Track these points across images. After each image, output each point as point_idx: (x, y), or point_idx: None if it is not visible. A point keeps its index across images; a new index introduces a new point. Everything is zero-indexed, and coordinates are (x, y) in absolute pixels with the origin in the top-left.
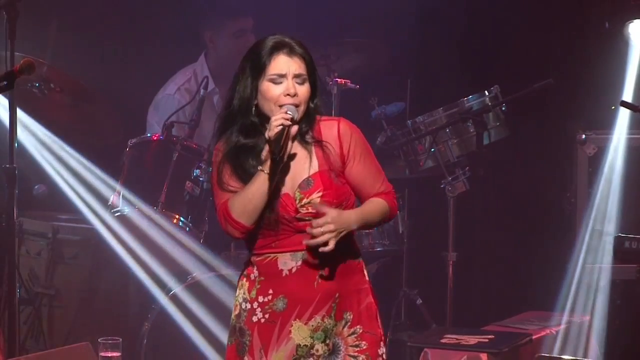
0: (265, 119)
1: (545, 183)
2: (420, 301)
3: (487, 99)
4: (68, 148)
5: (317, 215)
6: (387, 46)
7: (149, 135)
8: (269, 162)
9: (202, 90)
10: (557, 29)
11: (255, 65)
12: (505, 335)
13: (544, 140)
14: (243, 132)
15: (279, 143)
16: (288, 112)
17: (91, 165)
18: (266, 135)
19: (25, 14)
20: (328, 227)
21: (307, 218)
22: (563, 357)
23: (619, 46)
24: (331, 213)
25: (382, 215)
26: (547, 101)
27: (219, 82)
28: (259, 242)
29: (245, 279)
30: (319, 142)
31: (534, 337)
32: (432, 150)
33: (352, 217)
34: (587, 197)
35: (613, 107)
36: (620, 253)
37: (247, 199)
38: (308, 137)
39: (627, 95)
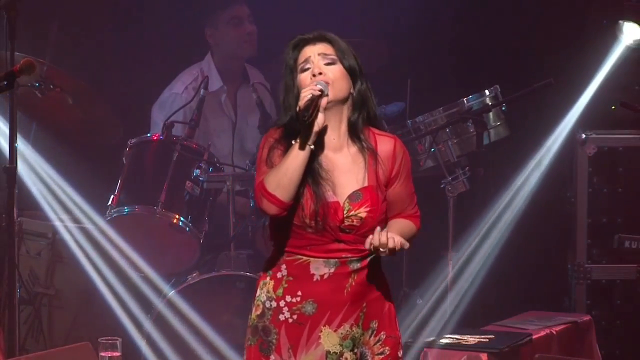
0: None
1: (545, 183)
2: (420, 301)
3: (487, 99)
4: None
5: (360, 229)
6: (387, 46)
7: (149, 135)
8: (301, 135)
9: (202, 90)
10: (557, 28)
11: (286, 69)
12: (505, 335)
13: (544, 140)
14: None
15: (308, 110)
16: (317, 84)
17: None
18: (297, 108)
19: (25, 14)
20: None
21: (349, 230)
22: (563, 357)
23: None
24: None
25: (412, 238)
26: (547, 101)
27: (226, 78)
28: (291, 242)
29: (269, 278)
30: (373, 153)
31: (534, 337)
32: (432, 150)
33: None
34: (587, 197)
35: (613, 107)
36: (620, 253)
37: (281, 172)
38: (363, 140)
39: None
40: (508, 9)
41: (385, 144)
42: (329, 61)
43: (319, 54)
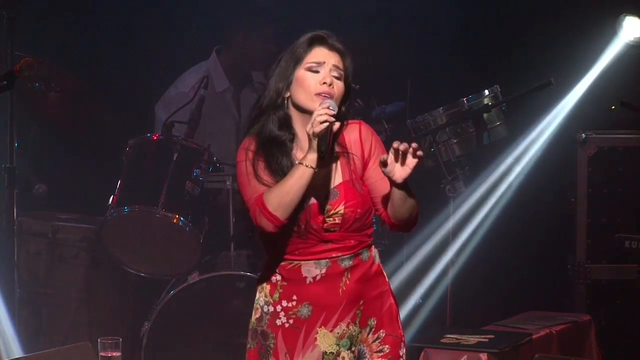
0: (299, 110)
1: (545, 183)
2: (421, 301)
3: (487, 99)
4: None
5: (343, 225)
6: (387, 46)
7: (149, 135)
8: (309, 156)
9: (202, 90)
10: (557, 28)
11: (292, 56)
12: (505, 335)
13: (544, 140)
14: (275, 124)
15: (325, 139)
16: (330, 107)
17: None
18: (308, 130)
19: (25, 14)
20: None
21: (333, 229)
22: (563, 357)
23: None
24: None
25: (415, 208)
26: (547, 101)
27: (232, 79)
28: (280, 248)
29: (265, 282)
30: (343, 150)
31: (534, 337)
32: (432, 150)
33: None
34: (587, 197)
35: (613, 107)
36: (620, 253)
37: (284, 192)
38: (335, 145)
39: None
40: (508, 9)
41: (351, 132)
42: (338, 75)
43: (333, 65)
